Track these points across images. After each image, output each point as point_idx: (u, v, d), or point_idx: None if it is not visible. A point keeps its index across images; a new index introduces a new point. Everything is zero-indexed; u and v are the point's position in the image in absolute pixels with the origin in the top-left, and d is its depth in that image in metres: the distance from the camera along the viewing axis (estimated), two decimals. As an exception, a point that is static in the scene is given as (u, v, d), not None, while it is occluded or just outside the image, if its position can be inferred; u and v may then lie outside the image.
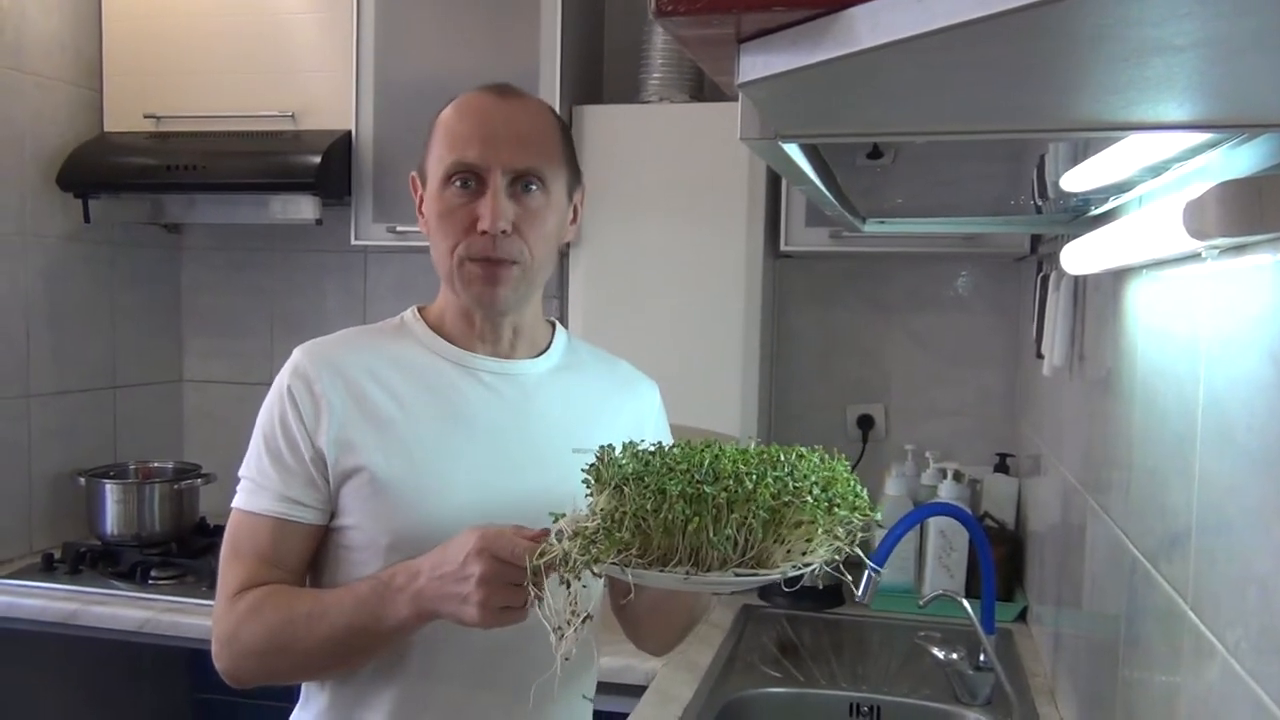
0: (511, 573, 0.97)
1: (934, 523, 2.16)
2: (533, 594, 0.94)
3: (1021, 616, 2.14)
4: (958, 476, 2.25)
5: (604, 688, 1.35)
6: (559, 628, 0.93)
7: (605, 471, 0.95)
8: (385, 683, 1.16)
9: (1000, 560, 2.03)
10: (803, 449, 1.00)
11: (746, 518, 0.89)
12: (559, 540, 0.93)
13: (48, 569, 2.27)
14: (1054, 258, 1.71)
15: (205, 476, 2.50)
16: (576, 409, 1.24)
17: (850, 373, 2.55)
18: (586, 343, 1.35)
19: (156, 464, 2.62)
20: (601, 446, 1.00)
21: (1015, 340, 2.44)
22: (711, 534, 0.88)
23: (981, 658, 1.66)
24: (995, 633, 1.69)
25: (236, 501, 1.17)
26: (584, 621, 0.92)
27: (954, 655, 1.66)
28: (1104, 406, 1.39)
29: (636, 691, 1.74)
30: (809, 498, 0.91)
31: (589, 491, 0.97)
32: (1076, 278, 1.56)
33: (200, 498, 2.50)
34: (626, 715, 1.63)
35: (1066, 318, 1.59)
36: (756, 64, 0.46)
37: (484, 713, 1.17)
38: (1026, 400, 2.30)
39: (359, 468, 1.13)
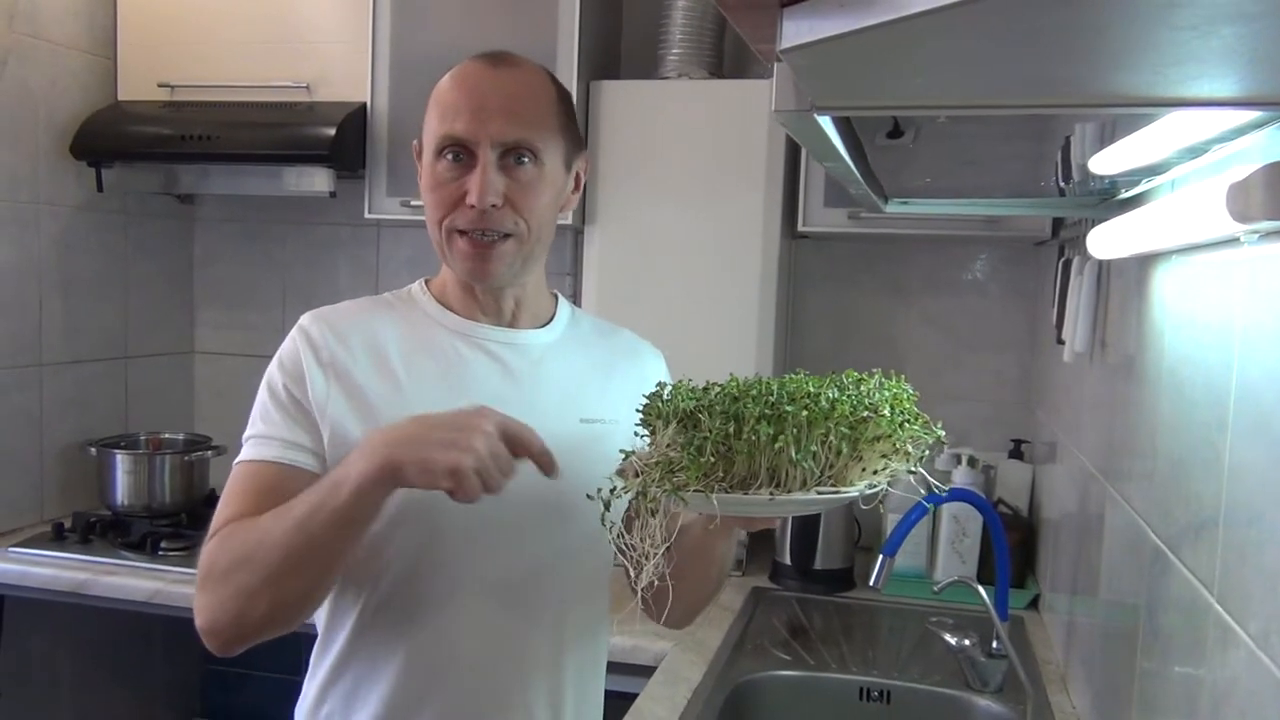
0: (505, 458, 0.97)
1: (947, 508, 2.14)
2: (609, 530, 0.94)
3: (1033, 604, 2.13)
4: (972, 462, 2.24)
5: (614, 668, 1.34)
6: (636, 561, 0.92)
7: (664, 408, 0.94)
8: (392, 650, 1.15)
9: (1013, 547, 2.01)
10: (856, 373, 1.01)
11: (828, 434, 0.89)
12: (629, 476, 0.93)
13: (58, 538, 2.27)
14: (1077, 242, 1.69)
15: (216, 448, 2.50)
16: (582, 379, 1.23)
17: (865, 355, 2.52)
18: (589, 315, 1.35)
19: (167, 435, 2.62)
20: (660, 383, 1.00)
21: (1032, 325, 2.42)
22: (795, 452, 0.88)
23: (994, 644, 1.65)
24: (1009, 620, 1.68)
25: (239, 459, 1.14)
26: (665, 552, 0.91)
27: (966, 641, 1.65)
28: (1127, 394, 1.37)
29: (646, 672, 1.73)
30: (885, 412, 0.92)
31: (644, 432, 0.97)
32: (1100, 262, 1.54)
33: (210, 469, 2.50)
34: (636, 695, 1.62)
35: (1089, 303, 1.57)
36: (801, 29, 0.44)
37: (497, 684, 1.17)
38: (1043, 386, 2.28)
39: (355, 437, 1.11)
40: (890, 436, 0.93)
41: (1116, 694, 1.34)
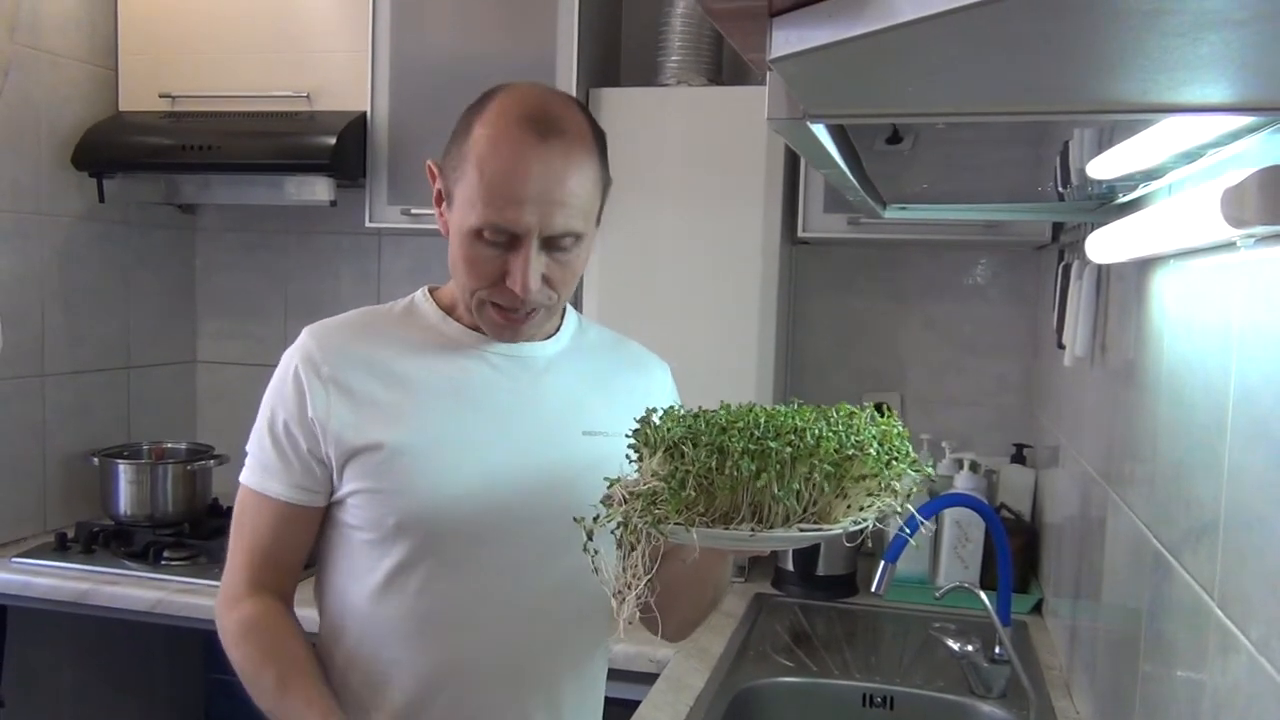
0: None
1: (949, 513, 2.14)
2: (591, 559, 0.93)
3: (1036, 609, 2.12)
4: (974, 467, 2.23)
5: (615, 675, 1.34)
6: (619, 592, 0.92)
7: (653, 435, 0.94)
8: (394, 664, 1.15)
9: (1016, 552, 2.01)
10: (849, 406, 0.99)
11: (811, 472, 0.89)
12: (614, 503, 0.92)
13: (61, 548, 2.28)
14: (1076, 246, 1.69)
15: (218, 458, 2.50)
16: (587, 391, 1.23)
17: (866, 361, 2.53)
18: (596, 324, 1.34)
19: (170, 445, 2.62)
20: (648, 410, 0.99)
21: (1034, 330, 2.42)
22: (777, 489, 0.87)
23: (997, 650, 1.64)
24: (1011, 625, 1.67)
25: (245, 476, 1.18)
26: (646, 584, 0.91)
27: (969, 647, 1.64)
28: (1127, 398, 1.37)
29: (648, 679, 1.73)
30: (871, 451, 0.91)
31: (634, 457, 0.96)
32: (1100, 267, 1.54)
33: (213, 479, 2.50)
34: (639, 703, 1.62)
35: (1089, 307, 1.57)
36: (790, 38, 0.44)
37: (497, 697, 1.17)
38: (1045, 391, 2.28)
39: (364, 450, 1.12)
40: (876, 475, 0.92)
41: (1119, 699, 1.33)
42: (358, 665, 1.17)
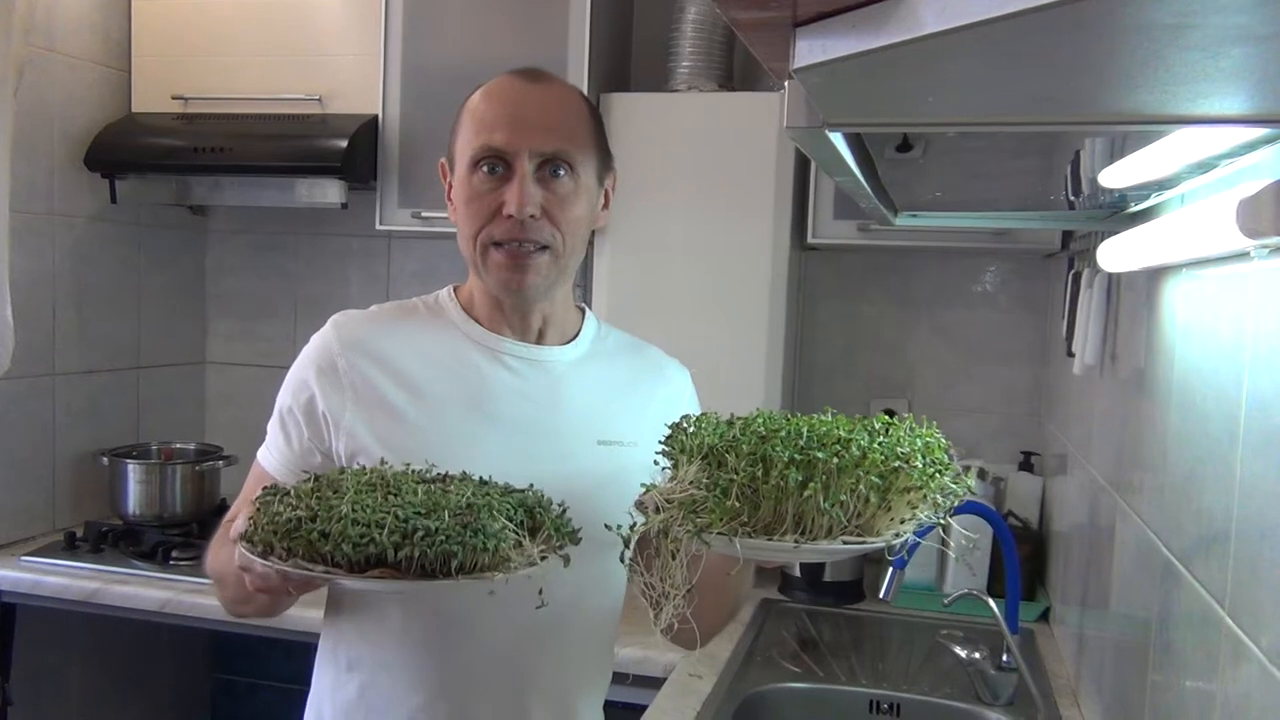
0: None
1: (956, 520, 2.13)
2: (628, 568, 0.92)
3: (1044, 616, 2.12)
4: (982, 474, 2.23)
5: (621, 679, 1.35)
6: (657, 601, 0.91)
7: (688, 442, 0.93)
8: (404, 669, 1.15)
9: (1023, 559, 2.00)
10: (887, 417, 0.99)
11: (858, 483, 0.88)
12: (649, 511, 0.91)
13: (70, 547, 2.28)
14: (1086, 254, 1.69)
15: (227, 458, 2.50)
16: (605, 399, 1.22)
17: (875, 367, 2.53)
18: (616, 329, 1.33)
19: (179, 445, 2.63)
20: (683, 416, 0.99)
21: (1042, 337, 2.42)
22: (824, 501, 0.86)
23: (1004, 657, 1.64)
24: (1019, 632, 1.67)
25: (263, 446, 1.22)
26: (686, 595, 0.90)
27: (976, 654, 1.64)
28: (1137, 406, 1.37)
29: (655, 684, 1.73)
30: (918, 464, 0.90)
31: (666, 464, 0.96)
32: (1110, 275, 1.54)
33: (221, 479, 2.51)
34: (645, 707, 1.62)
35: (1099, 316, 1.57)
36: (814, 49, 0.45)
37: (503, 703, 1.17)
38: (1053, 398, 2.28)
39: (371, 451, 1.13)
40: (921, 488, 0.90)
41: (1127, 708, 1.33)
42: (364, 670, 1.17)
